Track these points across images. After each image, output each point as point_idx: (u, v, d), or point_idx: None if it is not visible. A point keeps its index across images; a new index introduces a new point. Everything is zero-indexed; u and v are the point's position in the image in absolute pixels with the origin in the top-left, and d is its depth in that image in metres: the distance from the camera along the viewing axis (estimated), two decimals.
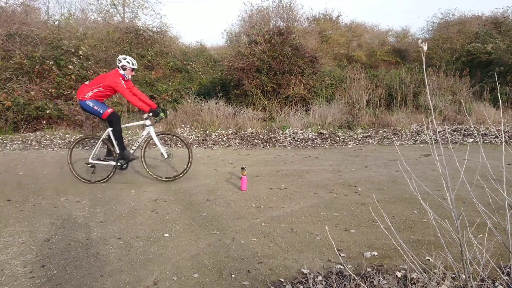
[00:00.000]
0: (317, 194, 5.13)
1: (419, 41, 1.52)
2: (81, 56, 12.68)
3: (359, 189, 5.34)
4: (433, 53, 22.24)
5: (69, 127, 10.98)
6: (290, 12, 22.19)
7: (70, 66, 12.21)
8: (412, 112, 12.34)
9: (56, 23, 15.14)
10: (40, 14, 15.22)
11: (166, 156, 5.98)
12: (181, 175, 5.97)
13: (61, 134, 10.37)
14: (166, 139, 9.36)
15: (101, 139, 6.05)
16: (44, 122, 11.29)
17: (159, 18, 30.78)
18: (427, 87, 1.80)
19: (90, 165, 6.09)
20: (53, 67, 11.96)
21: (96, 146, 6.07)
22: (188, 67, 16.70)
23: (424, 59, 1.65)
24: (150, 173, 6.05)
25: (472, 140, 9.17)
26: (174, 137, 9.00)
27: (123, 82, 5.72)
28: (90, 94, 5.76)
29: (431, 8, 40.06)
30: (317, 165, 6.97)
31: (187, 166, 5.96)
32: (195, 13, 40.05)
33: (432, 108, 1.95)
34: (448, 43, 21.32)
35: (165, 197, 5.10)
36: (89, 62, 12.91)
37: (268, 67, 12.23)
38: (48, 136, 10.26)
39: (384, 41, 26.38)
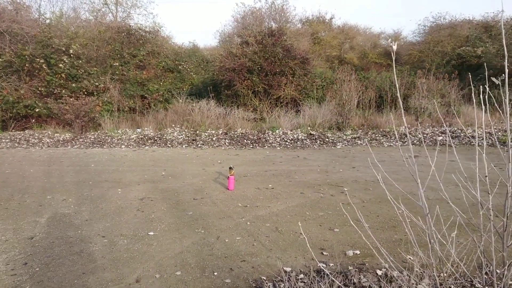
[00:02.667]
0: (304, 194, 5.17)
1: (389, 40, 1.55)
2: (71, 55, 12.60)
3: (345, 189, 5.39)
4: (424, 56, 22.40)
5: (58, 126, 10.91)
6: (282, 14, 22.22)
7: (61, 65, 12.13)
8: (394, 113, 12.40)
9: (47, 21, 15.02)
10: (31, 12, 15.11)
11: None
12: None
13: (50, 133, 10.31)
14: None
15: None
16: (33, 120, 11.22)
17: (151, 18, 30.62)
18: (397, 85, 1.83)
19: None
20: (43, 66, 11.88)
21: None
22: (180, 67, 16.65)
23: (394, 58, 1.69)
24: None
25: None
26: None
27: None
28: None
29: (422, 12, 40.36)
30: (305, 165, 7.02)
31: None
32: (188, 14, 39.93)
33: (402, 106, 1.99)
34: (439, 47, 21.45)
35: (152, 196, 5.10)
36: (80, 61, 12.84)
37: (259, 68, 12.26)
38: (36, 134, 10.20)
39: (376, 44, 26.46)
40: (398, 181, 5.76)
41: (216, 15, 40.18)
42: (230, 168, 5.62)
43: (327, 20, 25.73)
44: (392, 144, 9.21)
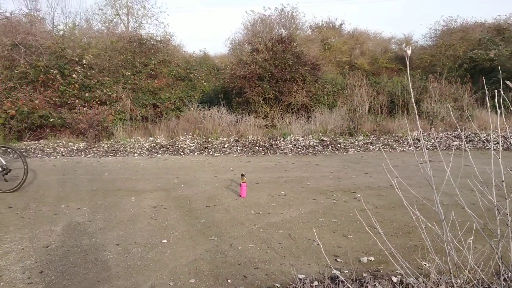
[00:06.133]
0: (317, 200, 5.14)
1: (403, 45, 1.55)
2: (84, 65, 12.81)
3: (358, 195, 5.34)
4: (435, 60, 22.19)
5: (72, 136, 11.05)
6: (292, 21, 22.26)
7: (74, 75, 12.32)
8: (414, 119, 12.30)
9: (61, 33, 15.30)
10: (44, 24, 15.40)
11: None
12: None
13: (64, 142, 10.44)
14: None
15: None
16: (48, 130, 11.38)
17: (162, 27, 31.02)
18: (411, 90, 1.82)
19: None
20: (57, 76, 12.08)
21: None
22: (191, 75, 16.79)
23: (408, 62, 1.68)
24: None
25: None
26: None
27: None
28: None
29: (434, 16, 40.16)
30: (317, 171, 6.99)
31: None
32: (199, 23, 40.38)
33: (416, 111, 1.98)
34: (451, 50, 21.28)
35: (165, 203, 5.12)
36: (93, 71, 13.03)
37: (270, 75, 12.29)
38: (51, 144, 10.34)
39: (386, 49, 26.36)
40: (412, 186, 5.70)
41: (227, 23, 40.56)
42: (242, 175, 5.62)
43: (337, 26, 25.72)
44: (405, 149, 9.13)
